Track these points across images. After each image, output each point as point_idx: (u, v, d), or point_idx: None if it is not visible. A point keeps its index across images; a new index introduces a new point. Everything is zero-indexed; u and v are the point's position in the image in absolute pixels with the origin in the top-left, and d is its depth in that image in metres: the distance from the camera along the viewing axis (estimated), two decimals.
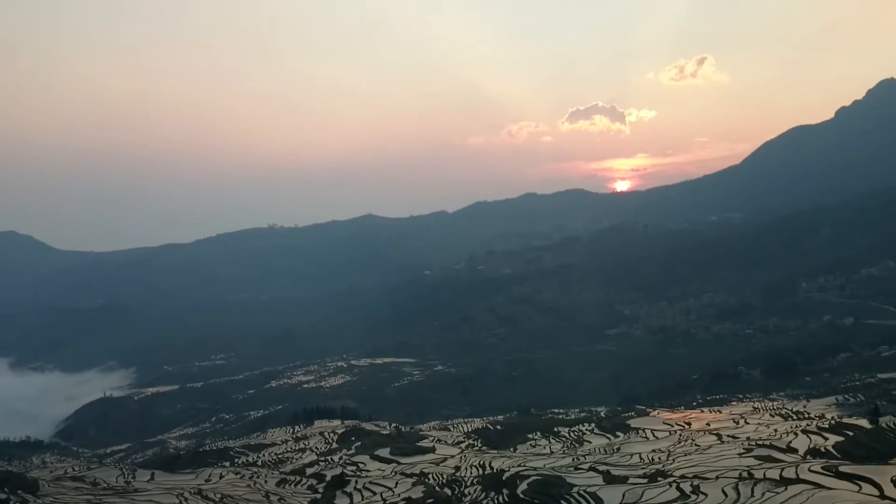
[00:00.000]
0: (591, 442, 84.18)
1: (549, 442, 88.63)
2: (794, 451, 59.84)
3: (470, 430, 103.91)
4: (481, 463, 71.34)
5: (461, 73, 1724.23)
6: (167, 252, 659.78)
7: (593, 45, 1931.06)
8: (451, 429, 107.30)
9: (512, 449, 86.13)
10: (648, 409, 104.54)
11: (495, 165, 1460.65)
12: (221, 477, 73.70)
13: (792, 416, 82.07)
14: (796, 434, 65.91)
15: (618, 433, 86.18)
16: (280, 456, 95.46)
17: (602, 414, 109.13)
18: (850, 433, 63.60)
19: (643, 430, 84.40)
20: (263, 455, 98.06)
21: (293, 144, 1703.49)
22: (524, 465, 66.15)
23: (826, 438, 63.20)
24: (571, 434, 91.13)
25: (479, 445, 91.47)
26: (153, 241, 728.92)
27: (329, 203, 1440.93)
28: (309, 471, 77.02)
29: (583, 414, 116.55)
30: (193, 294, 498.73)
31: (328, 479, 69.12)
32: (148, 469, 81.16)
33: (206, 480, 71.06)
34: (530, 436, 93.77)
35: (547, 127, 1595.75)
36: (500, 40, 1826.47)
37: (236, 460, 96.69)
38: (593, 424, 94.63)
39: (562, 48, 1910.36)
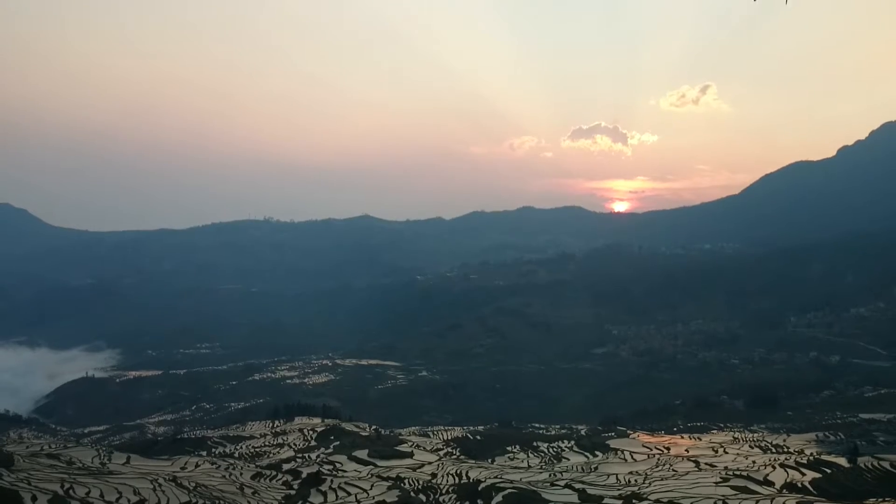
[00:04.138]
0: (569, 459, 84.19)
1: (528, 456, 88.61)
2: (771, 484, 59.96)
3: (449, 437, 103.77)
4: (458, 472, 71.26)
5: (468, 84, 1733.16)
6: (161, 237, 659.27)
7: (599, 66, 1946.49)
8: (431, 435, 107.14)
9: (490, 460, 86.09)
10: (629, 431, 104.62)
11: (495, 177, 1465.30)
12: (197, 466, 73.44)
13: (771, 449, 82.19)
14: (774, 467, 66.04)
15: (597, 452, 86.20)
16: (257, 449, 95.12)
17: (582, 432, 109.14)
18: (828, 470, 63.86)
19: (622, 451, 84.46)
20: (241, 447, 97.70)
21: (296, 141, 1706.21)
22: (501, 478, 66.17)
23: (803, 474, 63.37)
24: (550, 450, 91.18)
25: (458, 454, 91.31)
26: (148, 225, 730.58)
27: (327, 201, 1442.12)
28: (285, 466, 76.82)
29: (563, 430, 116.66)
30: (184, 280, 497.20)
31: (304, 476, 69.01)
32: (124, 452, 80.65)
33: (182, 468, 70.81)
34: (509, 448, 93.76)
35: (549, 143, 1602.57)
36: (509, 55, 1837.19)
37: (213, 450, 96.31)
38: (573, 442, 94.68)
39: (568, 67, 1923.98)
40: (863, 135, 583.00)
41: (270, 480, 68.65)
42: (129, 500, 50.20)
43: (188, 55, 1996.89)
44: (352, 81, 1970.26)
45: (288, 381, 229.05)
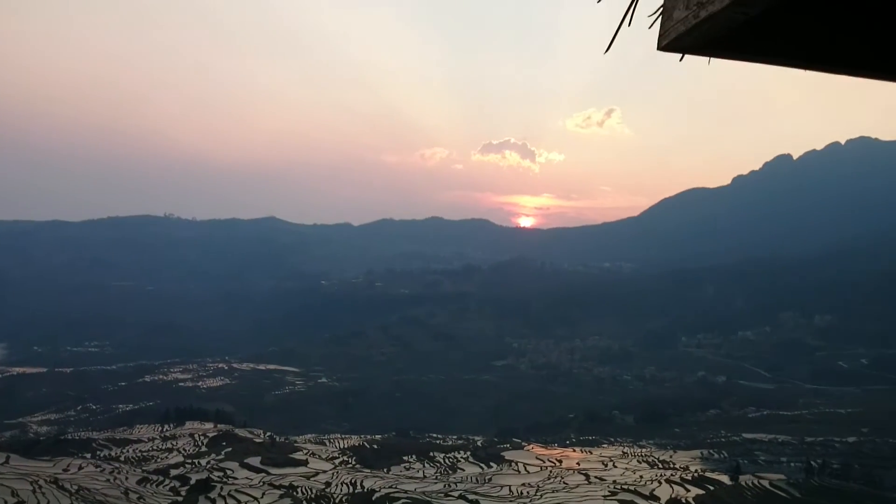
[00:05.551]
0: (464, 470, 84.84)
1: (424, 466, 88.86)
2: (657, 499, 61.94)
3: (346, 446, 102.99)
4: (353, 481, 70.81)
5: (383, 92, 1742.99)
6: (53, 228, 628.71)
7: (511, 83, 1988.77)
8: (328, 443, 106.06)
9: (386, 470, 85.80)
10: (524, 443, 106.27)
11: (405, 185, 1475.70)
12: (81, 468, 70.58)
13: (658, 465, 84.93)
14: (660, 483, 68.25)
15: (492, 463, 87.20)
16: (145, 454, 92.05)
17: (479, 443, 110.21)
18: (711, 487, 66.42)
19: (516, 462, 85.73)
20: (127, 451, 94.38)
21: (201, 138, 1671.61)
22: (395, 488, 66.12)
23: (688, 490, 65.71)
24: (446, 460, 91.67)
25: (354, 463, 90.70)
26: (39, 215, 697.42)
27: (232, 200, 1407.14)
28: (173, 472, 74.60)
29: (460, 441, 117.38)
30: (76, 275, 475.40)
31: (192, 482, 67.16)
32: (3, 452, 76.68)
33: (64, 470, 67.89)
34: (406, 458, 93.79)
35: (460, 155, 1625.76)
36: (425, 67, 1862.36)
37: (98, 453, 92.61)
38: (469, 452, 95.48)
39: (481, 82, 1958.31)
40: (758, 165, 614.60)
41: (157, 486, 66.51)
42: (5, 502, 47.72)
43: (91, 45, 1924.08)
44: (263, 81, 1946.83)
45: (181, 383, 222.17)
